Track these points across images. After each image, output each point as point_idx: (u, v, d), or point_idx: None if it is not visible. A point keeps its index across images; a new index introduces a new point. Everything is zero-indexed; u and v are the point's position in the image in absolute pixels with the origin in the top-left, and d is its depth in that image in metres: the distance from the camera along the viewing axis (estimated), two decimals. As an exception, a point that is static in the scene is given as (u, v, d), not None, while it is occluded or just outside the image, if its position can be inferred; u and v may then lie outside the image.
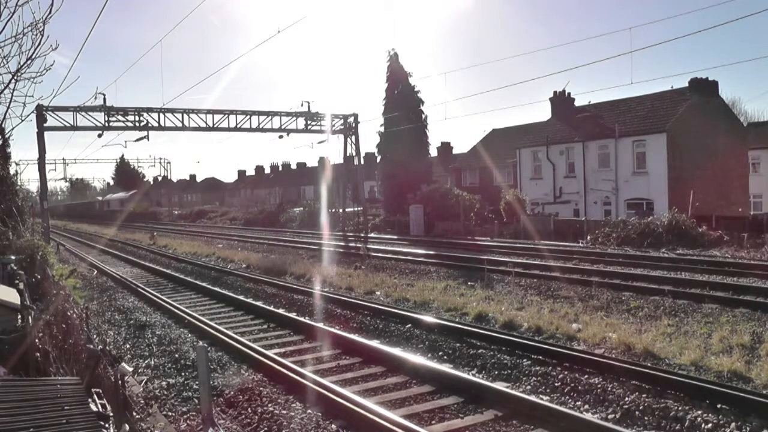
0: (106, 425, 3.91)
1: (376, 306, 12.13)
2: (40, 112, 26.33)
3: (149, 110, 29.83)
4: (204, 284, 16.44)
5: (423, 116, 39.26)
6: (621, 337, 8.80)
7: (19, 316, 5.41)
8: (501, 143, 46.86)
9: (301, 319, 11.44)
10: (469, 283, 14.79)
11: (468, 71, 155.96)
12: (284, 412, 6.57)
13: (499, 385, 7.11)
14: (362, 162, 36.51)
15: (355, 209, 39.13)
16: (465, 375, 7.63)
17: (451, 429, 6.11)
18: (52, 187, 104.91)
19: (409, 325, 10.45)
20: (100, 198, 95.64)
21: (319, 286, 15.40)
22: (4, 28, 6.15)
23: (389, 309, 11.76)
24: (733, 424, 5.74)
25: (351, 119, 34.34)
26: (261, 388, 7.37)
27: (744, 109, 61.23)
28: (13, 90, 6.71)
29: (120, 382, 5.24)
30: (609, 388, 6.85)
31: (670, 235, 22.17)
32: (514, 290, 13.73)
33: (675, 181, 31.88)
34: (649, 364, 7.61)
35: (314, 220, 42.38)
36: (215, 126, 31.28)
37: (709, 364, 7.66)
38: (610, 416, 6.31)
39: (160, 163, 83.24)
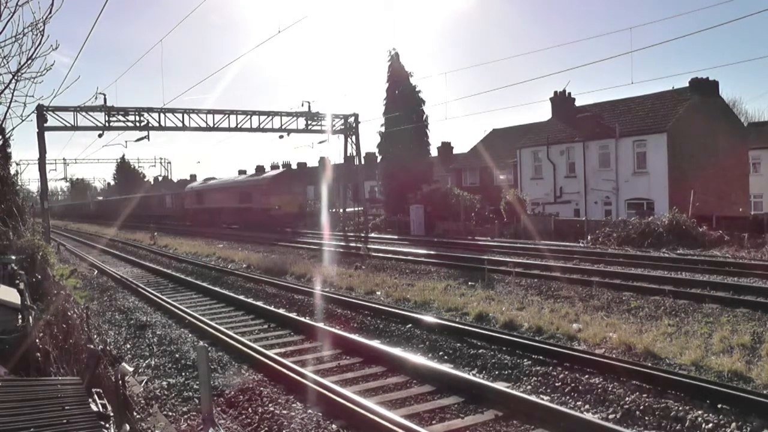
0: (107, 425, 3.91)
1: (377, 306, 12.12)
2: (41, 112, 26.35)
3: (149, 110, 29.85)
4: (204, 284, 16.44)
5: (424, 116, 39.27)
6: (621, 337, 8.80)
7: (20, 316, 5.41)
8: (501, 143, 46.86)
9: (302, 319, 11.44)
10: (469, 283, 14.79)
11: (468, 71, 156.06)
12: (285, 412, 6.57)
13: (500, 385, 7.11)
14: (363, 162, 36.54)
15: (356, 209, 39.13)
16: (465, 375, 7.63)
17: (452, 429, 6.11)
18: (53, 187, 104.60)
19: (410, 325, 10.45)
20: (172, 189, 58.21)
21: (320, 286, 15.40)
22: (4, 28, 6.17)
23: (390, 309, 11.76)
24: (733, 424, 5.74)
25: (351, 119, 34.36)
26: (261, 388, 7.37)
27: (744, 109, 61.23)
28: (14, 90, 6.73)
29: (120, 382, 5.25)
30: (609, 388, 6.85)
31: (671, 235, 22.16)
32: (514, 290, 13.72)
33: (675, 181, 31.87)
34: (649, 364, 7.61)
35: (315, 220, 42.36)
36: (215, 126, 31.30)
37: (709, 364, 7.65)
38: (610, 416, 6.31)
39: (161, 163, 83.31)
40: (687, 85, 34.56)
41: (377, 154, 42.32)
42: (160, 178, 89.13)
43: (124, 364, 5.62)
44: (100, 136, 30.42)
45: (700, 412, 6.03)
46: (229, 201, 44.90)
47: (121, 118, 29.37)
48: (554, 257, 19.00)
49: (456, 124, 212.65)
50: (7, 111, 7.13)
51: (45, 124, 27.17)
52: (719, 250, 20.11)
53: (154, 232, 36.70)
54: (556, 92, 41.64)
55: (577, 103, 40.74)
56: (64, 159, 72.16)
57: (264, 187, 41.34)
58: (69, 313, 6.57)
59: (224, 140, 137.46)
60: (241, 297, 14.15)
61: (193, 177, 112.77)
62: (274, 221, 38.66)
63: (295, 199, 41.38)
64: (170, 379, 8.01)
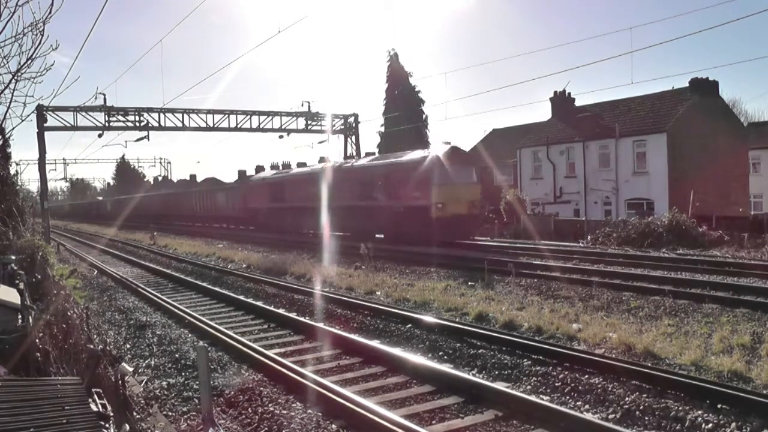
0: (107, 425, 3.92)
1: (377, 306, 12.11)
2: (41, 112, 26.40)
3: (149, 110, 29.91)
4: (204, 284, 16.44)
5: (423, 116, 39.37)
6: (621, 337, 8.79)
7: (20, 316, 5.42)
8: (501, 143, 46.87)
9: (302, 319, 11.44)
10: (469, 283, 14.78)
11: (468, 71, 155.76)
12: (284, 412, 6.57)
13: (500, 385, 7.10)
14: (362, 162, 36.44)
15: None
16: (465, 375, 7.62)
17: (452, 429, 6.10)
18: (53, 187, 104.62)
19: (410, 325, 10.45)
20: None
21: (320, 286, 15.39)
22: (4, 28, 6.18)
23: (389, 309, 11.76)
24: (733, 424, 5.73)
25: (351, 119, 34.42)
26: (261, 388, 7.36)
27: (744, 109, 61.37)
28: (14, 90, 6.75)
29: (120, 382, 5.25)
30: (609, 388, 6.85)
31: (671, 235, 22.14)
32: (514, 290, 13.71)
33: (675, 181, 31.89)
34: (649, 364, 7.61)
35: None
36: (215, 126, 31.36)
37: (709, 364, 7.65)
38: (610, 416, 6.31)
39: (161, 163, 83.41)
40: (687, 85, 34.60)
41: (377, 155, 42.35)
42: (160, 178, 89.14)
43: (123, 364, 5.62)
44: (100, 136, 30.56)
45: (700, 412, 6.03)
46: (338, 196, 28.15)
47: (121, 118, 29.44)
48: (554, 257, 18.98)
49: (456, 124, 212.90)
50: (7, 111, 7.15)
51: (45, 124, 27.23)
52: (719, 250, 20.10)
53: (153, 232, 36.73)
54: (556, 92, 41.70)
55: (577, 103, 40.80)
56: (64, 159, 72.51)
57: (422, 173, 23.70)
58: (69, 313, 6.58)
59: (224, 140, 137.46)
60: (241, 297, 14.15)
61: (193, 177, 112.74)
62: (436, 229, 22.98)
63: (467, 191, 24.56)
64: (170, 379, 8.00)
